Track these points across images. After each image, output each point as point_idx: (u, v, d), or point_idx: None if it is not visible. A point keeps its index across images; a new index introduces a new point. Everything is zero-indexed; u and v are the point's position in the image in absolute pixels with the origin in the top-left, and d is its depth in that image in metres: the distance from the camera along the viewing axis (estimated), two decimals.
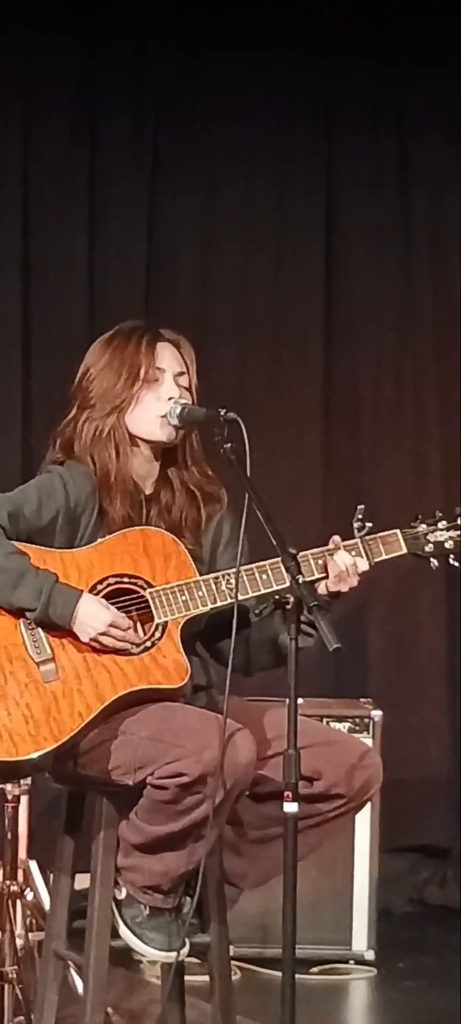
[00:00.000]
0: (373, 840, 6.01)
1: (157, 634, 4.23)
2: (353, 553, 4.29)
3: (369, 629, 7.04)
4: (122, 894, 4.25)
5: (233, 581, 4.22)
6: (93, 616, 4.18)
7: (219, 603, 4.25)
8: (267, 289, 7.09)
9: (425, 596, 7.04)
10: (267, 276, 7.09)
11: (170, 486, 4.41)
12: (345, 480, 7.01)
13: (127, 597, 4.26)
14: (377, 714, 6.07)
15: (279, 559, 4.17)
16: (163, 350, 4.40)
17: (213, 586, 4.26)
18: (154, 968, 5.44)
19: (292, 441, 7.05)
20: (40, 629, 4.20)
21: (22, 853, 5.61)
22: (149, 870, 4.18)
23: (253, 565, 4.25)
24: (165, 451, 4.41)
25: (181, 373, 4.41)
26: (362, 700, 6.21)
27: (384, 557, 4.33)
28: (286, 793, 3.91)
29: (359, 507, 4.34)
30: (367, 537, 4.32)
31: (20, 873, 5.52)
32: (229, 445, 4.16)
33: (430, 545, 4.35)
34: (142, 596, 4.26)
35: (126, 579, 4.27)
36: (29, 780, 5.43)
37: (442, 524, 4.36)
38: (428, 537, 4.35)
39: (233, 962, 4.84)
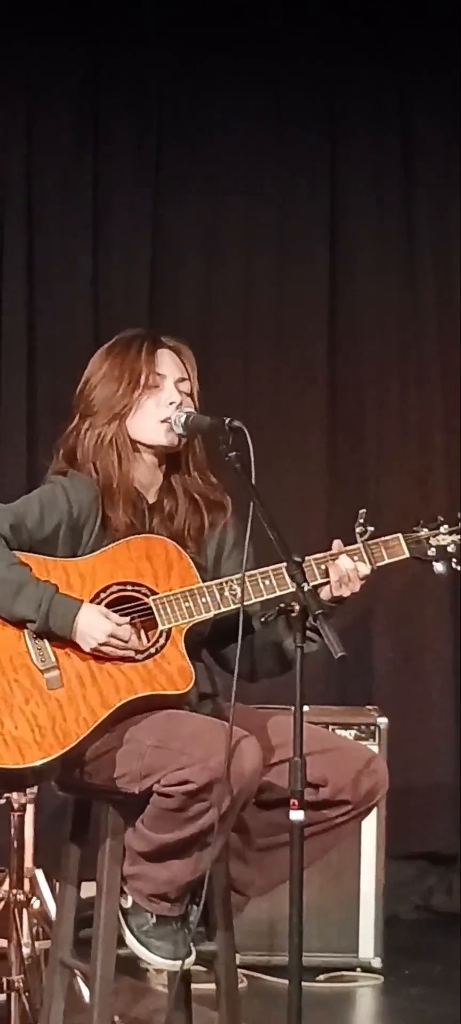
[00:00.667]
0: (379, 847, 6.01)
1: (161, 641, 4.23)
2: (355, 558, 4.30)
3: (375, 636, 7.03)
4: (128, 903, 4.25)
5: (236, 587, 4.23)
6: (94, 626, 4.18)
7: (223, 609, 4.25)
8: (271, 297, 7.09)
9: (431, 603, 7.03)
10: (270, 284, 7.09)
11: (173, 494, 4.41)
12: (349, 487, 7.01)
13: (130, 605, 4.26)
14: (383, 721, 6.06)
15: (282, 565, 4.18)
16: (163, 356, 4.41)
17: (216, 593, 4.26)
18: (160, 976, 5.44)
19: (296, 448, 7.05)
20: (44, 638, 4.20)
21: (28, 862, 5.62)
22: (155, 878, 4.18)
23: (256, 571, 4.26)
24: (169, 459, 4.41)
25: (182, 379, 4.42)
26: (368, 707, 6.21)
27: (386, 561, 4.34)
28: (292, 801, 3.91)
29: (361, 511, 4.34)
30: (369, 542, 4.32)
31: (26, 882, 5.53)
32: (234, 453, 4.17)
33: (432, 549, 4.36)
34: (145, 603, 4.26)
35: (129, 587, 4.27)
36: (35, 789, 5.43)
37: (444, 528, 4.37)
38: (430, 541, 4.36)
39: (239, 970, 4.85)
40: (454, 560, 4.35)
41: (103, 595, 4.26)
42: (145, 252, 6.98)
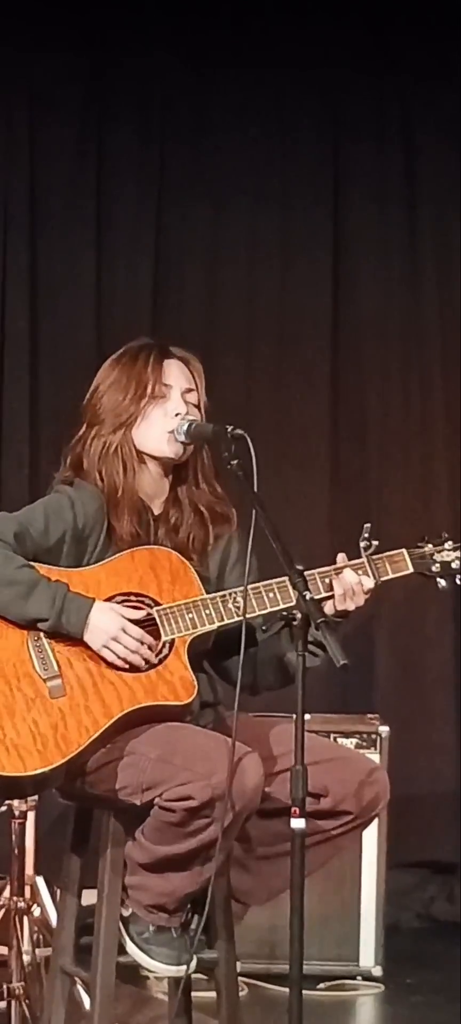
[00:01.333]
0: (380, 856, 6.00)
1: (164, 651, 4.23)
2: (359, 572, 4.30)
3: (376, 645, 7.03)
4: (129, 910, 4.25)
5: (240, 599, 4.23)
6: (106, 622, 4.18)
7: (226, 621, 4.25)
8: (274, 305, 7.09)
9: (432, 612, 7.03)
10: (273, 292, 7.09)
11: (179, 506, 4.41)
12: (352, 495, 7.01)
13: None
14: (384, 730, 6.06)
15: (286, 578, 4.17)
16: (170, 366, 4.41)
17: (220, 604, 4.26)
18: (161, 984, 5.44)
19: (299, 456, 7.05)
20: (47, 646, 4.21)
21: (29, 869, 5.62)
22: (154, 889, 4.18)
23: (260, 584, 4.26)
24: (175, 469, 4.42)
25: (189, 390, 4.42)
26: (369, 716, 6.20)
27: (391, 576, 4.34)
28: (293, 809, 3.90)
29: (366, 526, 4.34)
30: (373, 556, 4.32)
31: (27, 889, 5.53)
32: (236, 461, 4.17)
33: (437, 565, 4.36)
34: (149, 614, 4.26)
35: (133, 597, 4.27)
36: (36, 796, 5.43)
37: (449, 544, 4.37)
38: (434, 557, 4.36)
39: (240, 978, 4.84)
40: (458, 576, 4.36)
41: None
42: (148, 260, 6.98)
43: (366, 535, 4.33)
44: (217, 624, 4.26)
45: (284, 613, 4.22)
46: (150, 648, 4.23)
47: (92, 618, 4.18)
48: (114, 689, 4.18)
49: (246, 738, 4.14)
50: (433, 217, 7.12)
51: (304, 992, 3.95)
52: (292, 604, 4.18)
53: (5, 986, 5.22)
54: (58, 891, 4.71)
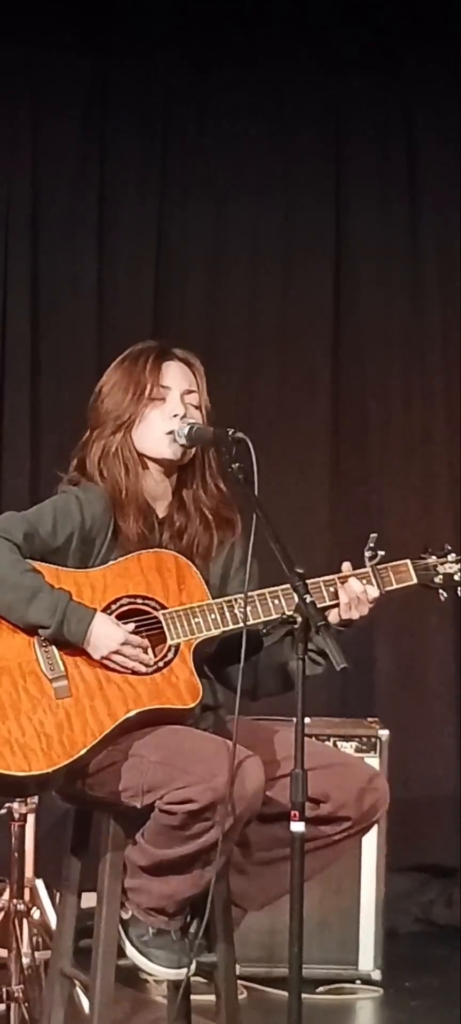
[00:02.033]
0: (380, 860, 6.00)
1: (170, 655, 4.23)
2: (364, 581, 4.30)
3: (376, 649, 7.03)
4: (128, 913, 4.25)
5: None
6: (106, 635, 4.18)
7: (231, 626, 4.26)
8: (275, 309, 7.10)
9: (433, 616, 7.03)
10: (275, 296, 7.10)
11: (184, 510, 4.41)
12: (353, 500, 7.01)
13: (140, 618, 4.27)
14: (384, 734, 6.06)
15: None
16: (169, 368, 4.41)
17: (226, 610, 4.27)
18: (160, 987, 5.43)
19: (300, 461, 7.05)
20: (54, 647, 4.21)
21: (29, 872, 5.62)
22: (154, 892, 4.18)
23: (266, 591, 4.26)
24: (180, 471, 4.42)
25: (190, 391, 4.42)
26: (369, 719, 6.20)
27: (395, 587, 4.36)
28: (293, 812, 3.91)
29: (372, 536, 4.35)
30: (378, 566, 4.33)
31: (27, 892, 5.54)
32: (237, 465, 4.17)
33: (439, 577, 4.38)
34: (155, 617, 4.26)
35: (139, 600, 4.28)
36: (36, 798, 5.43)
37: (452, 556, 4.39)
38: (438, 569, 4.38)
39: (239, 981, 4.84)
40: (460, 589, 4.38)
41: (113, 607, 4.27)
42: (150, 265, 6.98)
43: (371, 544, 4.33)
44: (222, 629, 4.26)
45: (284, 616, 4.22)
46: (155, 653, 4.23)
47: (93, 629, 4.19)
48: (119, 691, 4.19)
49: (246, 742, 4.14)
50: (435, 222, 7.13)
51: (303, 996, 3.95)
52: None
53: (4, 989, 5.22)
54: (58, 894, 4.71)
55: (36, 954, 5.44)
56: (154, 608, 4.27)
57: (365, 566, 4.33)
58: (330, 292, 7.09)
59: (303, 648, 3.96)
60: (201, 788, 4.03)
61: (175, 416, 4.36)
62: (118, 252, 6.98)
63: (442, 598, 4.39)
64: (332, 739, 5.91)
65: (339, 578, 4.30)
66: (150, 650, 4.25)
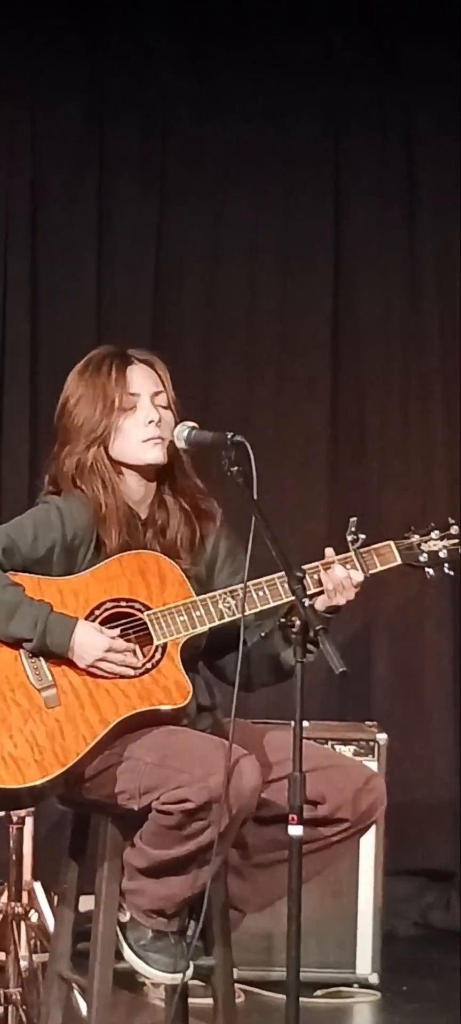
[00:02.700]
0: (378, 863, 6.00)
1: (157, 656, 4.23)
2: (348, 565, 4.30)
3: (374, 652, 7.03)
4: (126, 916, 4.25)
5: (230, 600, 4.25)
6: (90, 644, 4.19)
7: (217, 622, 4.26)
8: (274, 310, 7.09)
9: (431, 620, 7.03)
10: (274, 297, 7.09)
11: (165, 507, 4.40)
12: (351, 501, 6.99)
13: (125, 621, 4.26)
14: (382, 737, 6.06)
15: (275, 576, 4.19)
16: (134, 374, 4.39)
17: (210, 606, 4.27)
18: (158, 991, 5.43)
19: (299, 462, 7.05)
20: (40, 658, 4.21)
21: (27, 875, 5.61)
22: (153, 894, 4.18)
23: (250, 583, 4.25)
24: (159, 471, 4.41)
25: (157, 392, 4.40)
26: (367, 723, 6.21)
27: (378, 568, 4.34)
28: (291, 816, 3.91)
29: (352, 519, 4.35)
30: (361, 549, 4.32)
31: (25, 895, 5.53)
32: (236, 468, 4.17)
33: (424, 555, 4.37)
34: (140, 619, 4.26)
35: (123, 603, 4.28)
36: None
37: (435, 534, 4.38)
38: (422, 547, 4.37)
39: (237, 985, 4.83)
40: (446, 565, 4.37)
41: (97, 612, 4.26)
42: (148, 266, 6.98)
43: (353, 529, 4.33)
44: (208, 625, 4.26)
45: (282, 620, 4.23)
46: (143, 654, 4.23)
47: (76, 639, 4.18)
48: (109, 696, 4.19)
49: (244, 744, 4.13)
50: (434, 224, 7.12)
51: (301, 999, 3.95)
52: (282, 602, 4.21)
53: (2, 992, 5.22)
54: (55, 897, 4.71)
55: (34, 957, 5.44)
56: (139, 610, 4.27)
57: (348, 551, 4.32)
58: (329, 294, 7.09)
59: (301, 651, 3.96)
60: (197, 787, 4.03)
61: (150, 422, 4.35)
62: (117, 254, 6.98)
63: (429, 576, 4.37)
64: (330, 743, 5.91)
65: (323, 564, 4.30)
66: (138, 650, 4.25)
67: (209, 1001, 4.41)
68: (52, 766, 4.11)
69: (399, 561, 4.36)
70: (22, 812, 5.42)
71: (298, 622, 3.98)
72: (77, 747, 4.13)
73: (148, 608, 4.27)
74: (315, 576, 4.29)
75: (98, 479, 4.33)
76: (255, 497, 4.12)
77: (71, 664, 4.20)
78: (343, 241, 7.11)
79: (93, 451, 4.34)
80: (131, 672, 4.20)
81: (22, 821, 5.44)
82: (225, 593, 4.28)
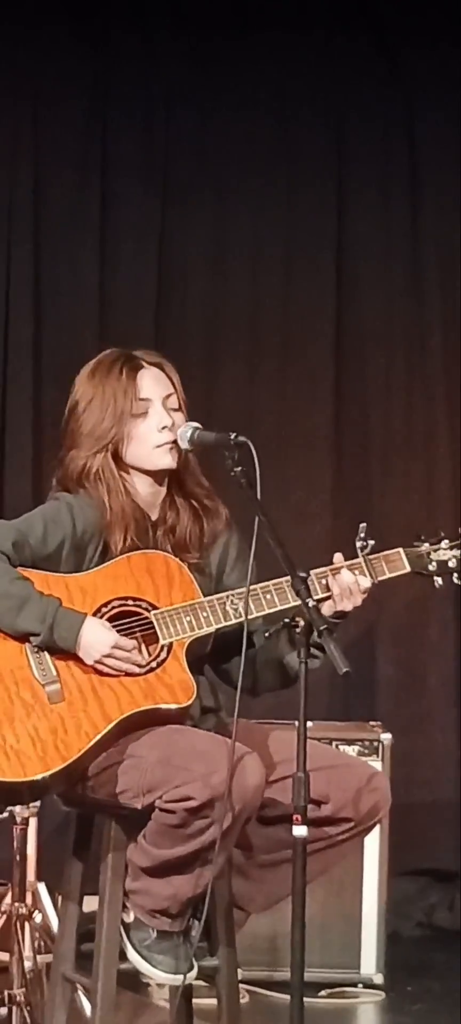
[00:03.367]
0: (382, 863, 6.00)
1: (162, 655, 4.24)
2: (356, 571, 4.30)
3: (378, 652, 7.02)
4: (130, 917, 4.25)
5: (237, 602, 4.24)
6: (97, 639, 4.19)
7: (224, 623, 4.26)
8: (277, 312, 7.09)
9: (435, 620, 7.03)
10: (277, 299, 7.09)
11: (175, 506, 4.41)
12: (354, 503, 7.00)
13: (132, 619, 4.27)
14: (386, 737, 6.06)
15: (283, 579, 4.19)
16: (144, 378, 4.39)
17: (217, 607, 4.27)
18: (162, 991, 5.43)
19: (302, 464, 7.05)
20: (46, 652, 4.21)
21: (31, 875, 5.62)
22: (157, 894, 4.18)
23: (258, 585, 4.26)
24: (170, 472, 4.41)
25: (168, 395, 4.40)
26: (371, 723, 6.21)
27: (387, 575, 4.35)
28: (295, 816, 3.91)
29: (361, 525, 4.35)
30: (370, 556, 4.33)
31: (29, 895, 5.54)
32: (239, 468, 4.17)
33: (433, 563, 4.37)
34: (147, 618, 4.26)
35: (130, 601, 4.28)
36: (38, 802, 5.43)
37: (445, 543, 4.38)
38: (431, 556, 4.37)
39: (241, 985, 4.83)
40: (455, 575, 4.37)
41: (104, 610, 4.27)
42: (151, 268, 6.98)
43: (362, 535, 4.33)
44: (215, 627, 4.27)
45: (286, 620, 4.23)
46: (149, 653, 4.23)
47: (83, 634, 4.19)
48: (113, 693, 4.19)
49: (248, 744, 4.14)
50: (436, 224, 7.12)
51: (305, 999, 3.96)
52: (290, 605, 4.21)
53: (6, 992, 5.22)
54: (59, 897, 4.71)
55: (38, 958, 5.44)
56: (146, 609, 4.27)
57: (357, 556, 4.32)
58: (331, 296, 7.08)
59: (305, 652, 3.96)
60: (199, 785, 4.04)
61: (163, 428, 4.35)
62: (120, 256, 6.98)
63: (437, 585, 4.37)
64: (334, 743, 5.90)
65: (331, 570, 4.30)
66: (144, 649, 4.25)
67: (213, 1001, 4.41)
68: (54, 761, 4.12)
69: (408, 569, 4.37)
70: (26, 813, 5.42)
71: (302, 622, 3.98)
72: (79, 743, 4.13)
73: (155, 607, 4.28)
74: (323, 581, 4.29)
75: (103, 485, 4.33)
76: (258, 497, 4.13)
77: (76, 660, 4.21)
78: (346, 241, 7.11)
79: (99, 457, 4.34)
80: (136, 670, 4.21)
81: (26, 822, 5.45)
82: (232, 595, 4.28)
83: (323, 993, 5.91)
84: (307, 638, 3.96)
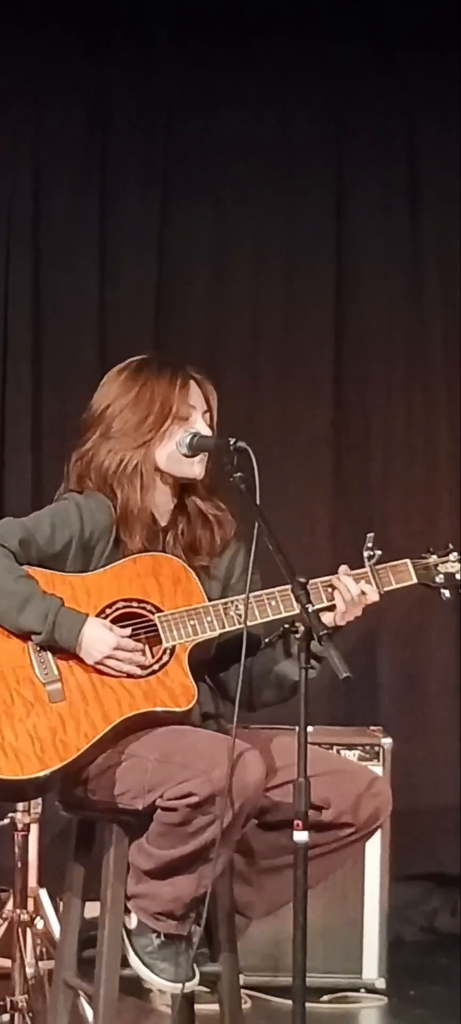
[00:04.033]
0: (384, 868, 6.00)
1: (165, 658, 4.24)
2: (363, 582, 4.30)
3: (379, 657, 7.03)
4: (132, 923, 4.25)
5: (242, 608, 4.24)
6: (98, 639, 4.19)
7: (227, 629, 4.27)
8: (277, 318, 7.10)
9: (436, 625, 7.03)
10: (277, 304, 7.09)
11: (185, 511, 4.42)
12: (355, 509, 7.01)
13: (135, 621, 4.27)
14: (387, 742, 6.05)
15: (288, 586, 4.18)
16: (193, 388, 4.42)
17: (221, 612, 4.27)
18: (164, 997, 5.43)
19: (302, 470, 7.05)
20: (48, 651, 4.22)
21: (32, 881, 5.61)
22: (161, 896, 4.18)
23: (262, 592, 4.26)
24: (182, 483, 4.42)
25: (205, 411, 4.43)
26: (372, 728, 6.20)
27: (394, 587, 4.35)
28: (296, 822, 3.91)
29: (369, 535, 4.35)
30: (377, 566, 4.33)
31: (30, 901, 5.53)
32: (239, 474, 4.18)
33: (440, 576, 4.37)
34: (150, 620, 4.27)
35: (135, 603, 4.29)
36: (39, 808, 5.43)
37: (453, 556, 4.38)
38: (438, 568, 4.37)
39: (243, 991, 4.85)
40: None
41: (109, 611, 4.27)
42: (151, 274, 6.98)
43: (370, 544, 4.33)
44: (218, 632, 4.27)
45: (286, 625, 4.23)
46: (152, 655, 4.24)
47: (85, 635, 4.19)
48: (114, 694, 4.20)
49: None
50: (436, 229, 7.12)
51: (307, 1004, 3.95)
52: (294, 612, 4.19)
53: (8, 999, 5.23)
54: (61, 903, 4.71)
55: (40, 964, 5.43)
56: (150, 612, 4.27)
57: (362, 565, 4.32)
58: (332, 301, 7.09)
59: (305, 657, 3.96)
60: (200, 781, 4.04)
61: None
62: (120, 260, 6.98)
63: (444, 597, 4.38)
64: (335, 748, 5.90)
65: (337, 579, 4.30)
66: (147, 650, 4.25)
67: (215, 1007, 4.41)
68: (52, 760, 4.13)
69: (415, 580, 4.37)
70: (27, 819, 5.42)
71: (302, 628, 3.98)
72: (78, 743, 4.14)
73: (159, 610, 4.28)
74: (329, 589, 4.30)
75: (138, 481, 4.33)
76: (258, 503, 4.13)
77: (78, 660, 4.21)
78: (346, 248, 7.11)
79: (140, 453, 4.34)
80: (138, 672, 4.21)
81: (27, 828, 5.45)
82: (236, 601, 4.28)
83: (325, 998, 5.90)
84: (307, 644, 3.96)
